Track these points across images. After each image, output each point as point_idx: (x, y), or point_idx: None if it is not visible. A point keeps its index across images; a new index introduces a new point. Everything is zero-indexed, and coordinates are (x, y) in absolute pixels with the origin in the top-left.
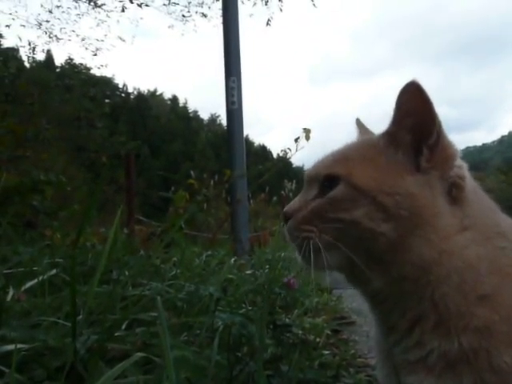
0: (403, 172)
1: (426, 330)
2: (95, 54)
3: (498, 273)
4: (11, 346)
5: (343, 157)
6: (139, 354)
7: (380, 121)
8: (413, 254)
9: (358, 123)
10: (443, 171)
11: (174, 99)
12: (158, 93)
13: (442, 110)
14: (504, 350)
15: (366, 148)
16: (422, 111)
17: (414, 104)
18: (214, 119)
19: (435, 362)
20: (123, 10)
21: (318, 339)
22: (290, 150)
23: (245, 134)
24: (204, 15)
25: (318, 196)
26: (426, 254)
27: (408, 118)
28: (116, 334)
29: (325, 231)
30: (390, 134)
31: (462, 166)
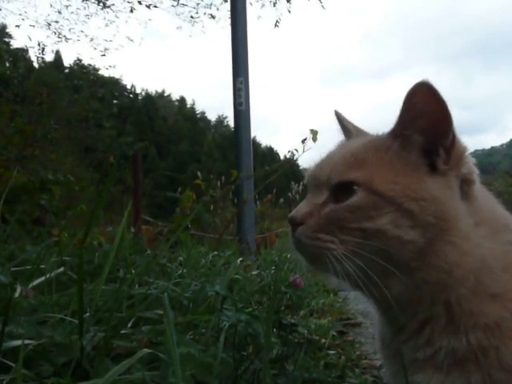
0: (421, 175)
1: (436, 330)
2: (104, 55)
3: (508, 270)
4: (18, 342)
5: (357, 160)
6: (145, 351)
7: (392, 122)
8: (438, 258)
9: (338, 116)
10: (458, 170)
11: (182, 100)
12: (165, 94)
13: (453, 113)
14: None
15: (380, 150)
16: (437, 112)
17: (427, 105)
18: (221, 120)
19: (443, 360)
20: (132, 11)
21: (323, 340)
22: (297, 151)
23: (252, 135)
24: (212, 16)
25: (329, 201)
26: (449, 257)
27: (420, 120)
28: (122, 332)
29: (346, 241)
30: (402, 136)
31: (470, 161)
